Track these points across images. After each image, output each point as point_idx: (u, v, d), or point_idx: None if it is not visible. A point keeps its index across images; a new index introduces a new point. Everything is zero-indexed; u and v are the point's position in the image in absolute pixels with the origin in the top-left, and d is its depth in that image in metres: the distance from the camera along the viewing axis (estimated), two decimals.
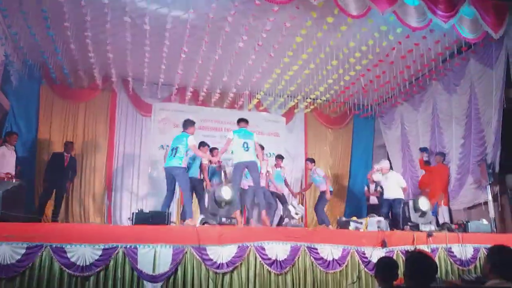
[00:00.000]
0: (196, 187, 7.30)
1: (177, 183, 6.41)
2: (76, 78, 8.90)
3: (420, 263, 2.95)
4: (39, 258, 4.19)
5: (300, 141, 10.88)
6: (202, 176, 7.79)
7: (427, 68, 8.34)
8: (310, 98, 9.85)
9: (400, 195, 7.58)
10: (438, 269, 5.27)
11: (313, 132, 11.03)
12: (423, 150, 8.96)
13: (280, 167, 8.78)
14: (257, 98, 9.79)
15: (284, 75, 8.39)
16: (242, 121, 7.06)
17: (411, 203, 6.20)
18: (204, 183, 7.75)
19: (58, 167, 8.09)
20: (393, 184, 7.70)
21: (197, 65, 8.13)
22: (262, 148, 7.72)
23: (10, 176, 6.84)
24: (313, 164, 8.75)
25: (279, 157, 8.88)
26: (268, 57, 7.66)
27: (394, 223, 7.04)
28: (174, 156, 6.31)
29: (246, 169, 6.82)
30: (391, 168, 8.32)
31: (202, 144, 7.81)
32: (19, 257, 4.13)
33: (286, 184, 9.03)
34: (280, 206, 8.40)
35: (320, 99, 9.97)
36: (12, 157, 7.51)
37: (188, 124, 6.70)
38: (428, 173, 8.62)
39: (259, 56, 7.75)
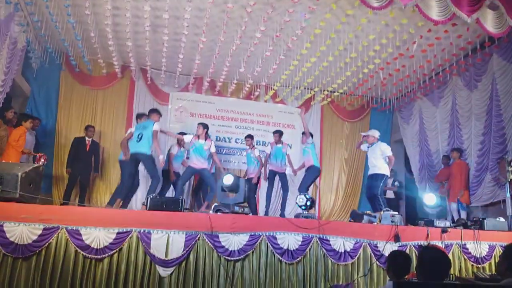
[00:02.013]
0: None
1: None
2: (95, 66, 9.06)
3: (433, 258, 2.90)
4: (55, 239, 4.30)
5: (316, 133, 10.79)
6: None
7: (448, 63, 8.19)
8: (327, 91, 9.78)
9: (380, 169, 6.87)
10: (452, 265, 5.21)
11: (329, 125, 10.95)
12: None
13: (281, 143, 8.27)
14: (274, 89, 9.78)
15: (302, 67, 8.33)
16: (150, 112, 7.16)
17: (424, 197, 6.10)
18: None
19: (80, 152, 8.21)
20: (377, 155, 7.01)
21: (215, 55, 8.16)
22: (205, 127, 7.63)
23: (41, 155, 6.91)
24: (307, 137, 7.97)
25: (277, 132, 8.33)
26: (286, 49, 7.63)
27: (373, 205, 6.63)
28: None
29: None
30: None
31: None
32: (35, 237, 4.24)
33: (289, 162, 8.43)
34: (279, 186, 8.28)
35: (338, 92, 9.89)
36: (33, 141, 7.70)
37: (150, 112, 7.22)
38: (447, 168, 8.49)
39: (277, 47, 7.74)
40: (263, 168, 8.31)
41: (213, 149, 7.59)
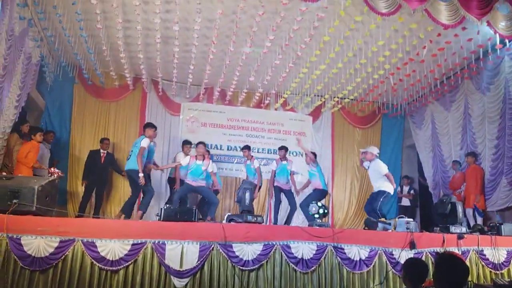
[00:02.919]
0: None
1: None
2: (107, 78, 9.19)
3: (452, 265, 2.86)
4: (71, 251, 4.34)
5: (327, 140, 10.79)
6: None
7: (459, 66, 8.12)
8: (338, 97, 9.77)
9: (382, 187, 6.82)
10: (470, 272, 5.12)
11: (340, 132, 10.91)
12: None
13: (286, 159, 8.20)
14: (284, 97, 9.79)
15: (311, 74, 8.35)
16: (144, 127, 7.17)
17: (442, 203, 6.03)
18: None
19: (95, 165, 8.35)
20: (374, 173, 7.01)
21: (225, 65, 8.21)
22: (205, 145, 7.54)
23: (56, 171, 6.96)
24: (313, 160, 7.92)
25: (282, 149, 8.25)
26: (295, 57, 7.65)
27: (369, 223, 6.44)
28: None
29: None
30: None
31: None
32: (52, 250, 4.29)
33: (292, 179, 8.25)
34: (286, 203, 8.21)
35: (348, 98, 9.88)
36: (48, 154, 7.80)
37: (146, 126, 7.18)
38: (461, 173, 8.40)
39: (286, 55, 7.76)
40: (267, 184, 8.44)
41: (210, 169, 7.45)
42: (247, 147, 8.58)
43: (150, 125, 7.12)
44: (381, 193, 6.81)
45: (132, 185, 6.92)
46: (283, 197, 8.21)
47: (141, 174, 6.59)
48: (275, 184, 8.18)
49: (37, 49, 7.44)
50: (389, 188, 6.85)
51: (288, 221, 7.92)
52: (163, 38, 7.27)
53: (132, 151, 6.88)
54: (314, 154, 8.11)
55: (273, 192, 8.21)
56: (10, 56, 6.19)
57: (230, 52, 7.52)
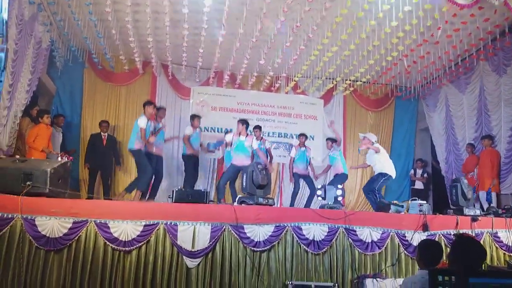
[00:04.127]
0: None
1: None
2: (117, 63, 9.17)
3: (468, 248, 2.81)
4: (85, 232, 4.41)
5: (338, 124, 10.65)
6: None
7: (475, 47, 7.93)
8: (350, 80, 9.63)
9: (383, 169, 6.74)
10: None
11: (352, 115, 10.78)
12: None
13: (304, 146, 8.40)
14: (294, 81, 9.68)
15: (323, 56, 8.22)
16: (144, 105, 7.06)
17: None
18: None
19: (97, 148, 8.35)
20: (372, 156, 6.93)
21: (235, 48, 8.13)
22: (244, 123, 7.49)
23: (67, 155, 7.01)
24: (334, 143, 8.35)
25: (302, 135, 8.47)
26: (306, 39, 7.53)
27: (369, 198, 6.54)
28: None
29: None
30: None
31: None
32: (66, 231, 4.36)
33: (310, 166, 8.49)
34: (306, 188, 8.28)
35: (360, 81, 9.74)
36: (59, 138, 7.86)
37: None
38: (474, 156, 8.28)
39: (297, 38, 7.65)
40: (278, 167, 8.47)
41: (255, 146, 7.53)
42: (258, 127, 8.51)
43: (148, 103, 6.97)
44: (382, 175, 6.73)
45: (136, 165, 6.95)
46: (302, 183, 8.29)
47: (152, 138, 6.68)
48: (295, 170, 8.27)
49: (47, 34, 7.45)
50: (390, 171, 6.75)
51: (307, 204, 8.02)
52: (172, 21, 7.20)
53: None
54: (334, 140, 8.38)
55: (293, 178, 8.29)
56: (21, 41, 6.21)
57: (240, 34, 7.43)
